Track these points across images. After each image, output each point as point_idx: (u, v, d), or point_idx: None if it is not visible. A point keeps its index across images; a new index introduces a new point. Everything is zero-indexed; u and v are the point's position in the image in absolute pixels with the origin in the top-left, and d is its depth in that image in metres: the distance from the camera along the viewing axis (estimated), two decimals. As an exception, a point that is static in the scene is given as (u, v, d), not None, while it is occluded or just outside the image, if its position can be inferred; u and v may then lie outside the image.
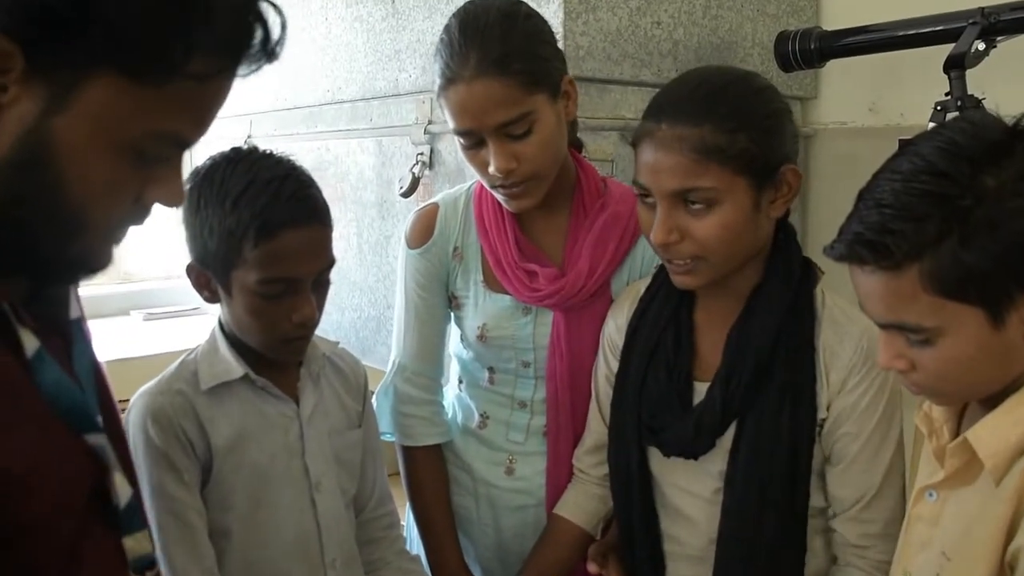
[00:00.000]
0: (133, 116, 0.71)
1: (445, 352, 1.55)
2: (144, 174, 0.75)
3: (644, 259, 1.41)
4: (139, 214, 0.78)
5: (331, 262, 1.25)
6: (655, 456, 1.27)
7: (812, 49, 2.04)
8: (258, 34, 0.74)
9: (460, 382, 1.55)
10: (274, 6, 0.76)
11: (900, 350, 0.93)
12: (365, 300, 2.46)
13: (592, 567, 1.30)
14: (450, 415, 1.56)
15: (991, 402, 0.93)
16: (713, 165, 1.10)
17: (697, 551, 1.25)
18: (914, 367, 0.93)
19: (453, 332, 1.54)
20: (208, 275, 1.24)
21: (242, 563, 1.27)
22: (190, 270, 1.26)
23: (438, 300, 1.48)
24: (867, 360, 1.16)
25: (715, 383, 1.20)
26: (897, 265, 0.87)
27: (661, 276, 1.29)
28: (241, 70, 0.75)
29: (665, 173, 1.12)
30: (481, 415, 1.50)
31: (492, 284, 1.42)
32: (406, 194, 2.23)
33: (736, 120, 1.11)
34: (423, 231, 1.46)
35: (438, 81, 1.29)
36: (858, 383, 1.17)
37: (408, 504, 1.56)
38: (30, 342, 0.77)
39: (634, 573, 1.30)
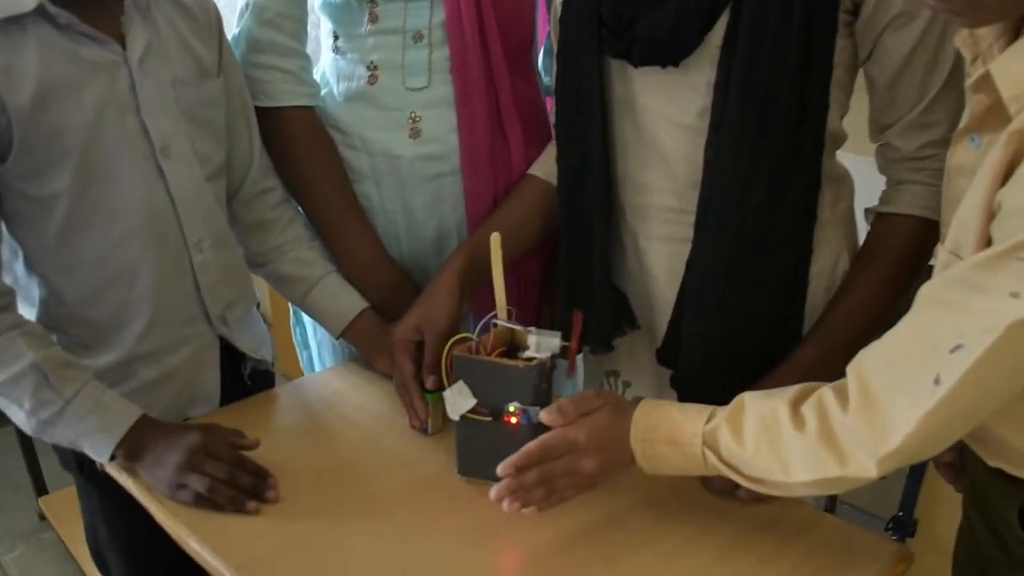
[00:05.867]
0: None
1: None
2: None
3: None
4: None
5: None
6: (620, 74, 1.00)
7: None
8: None
9: (335, 39, 1.22)
10: None
11: None
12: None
13: None
14: (325, 91, 1.25)
15: None
16: None
17: (674, 200, 1.01)
18: None
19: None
20: None
21: (91, 252, 1.02)
22: None
23: None
24: None
25: None
26: None
27: None
28: None
29: None
30: (368, 66, 1.19)
31: None
32: None
33: None
34: None
35: None
36: None
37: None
38: None
39: (584, 228, 1.07)
